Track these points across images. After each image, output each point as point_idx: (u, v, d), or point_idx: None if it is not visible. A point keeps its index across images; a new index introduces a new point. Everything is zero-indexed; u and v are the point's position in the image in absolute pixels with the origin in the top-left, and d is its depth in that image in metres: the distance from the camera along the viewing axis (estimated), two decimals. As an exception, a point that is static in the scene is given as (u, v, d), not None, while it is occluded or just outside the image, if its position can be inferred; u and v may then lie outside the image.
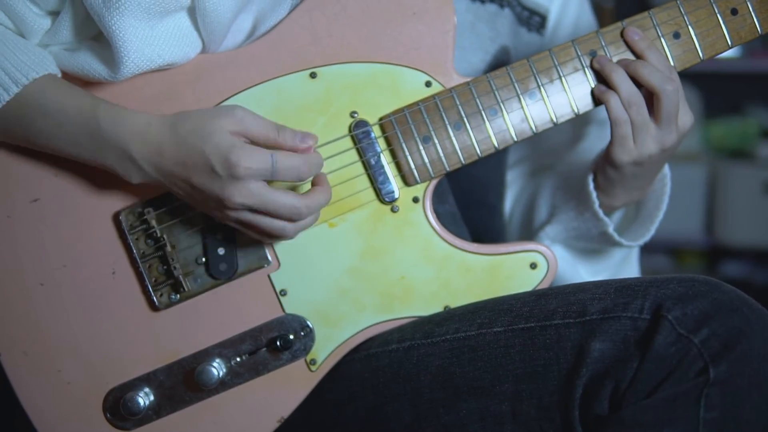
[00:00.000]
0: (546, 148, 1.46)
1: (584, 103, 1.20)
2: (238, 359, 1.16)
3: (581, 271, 1.39)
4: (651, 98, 1.17)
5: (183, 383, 1.16)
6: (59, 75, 1.11)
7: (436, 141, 1.17)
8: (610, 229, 1.28)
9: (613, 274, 1.41)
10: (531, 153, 1.47)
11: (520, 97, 1.18)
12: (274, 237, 1.10)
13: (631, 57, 1.19)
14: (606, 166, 1.22)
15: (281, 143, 1.07)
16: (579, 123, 1.42)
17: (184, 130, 1.06)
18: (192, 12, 1.12)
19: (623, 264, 1.41)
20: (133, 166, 1.07)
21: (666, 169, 1.29)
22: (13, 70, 1.07)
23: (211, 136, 1.04)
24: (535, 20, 1.43)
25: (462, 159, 1.18)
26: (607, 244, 1.33)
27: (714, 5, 1.19)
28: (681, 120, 1.18)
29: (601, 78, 1.19)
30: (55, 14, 1.12)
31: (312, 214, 1.09)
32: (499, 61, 1.36)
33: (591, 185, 1.26)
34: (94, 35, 1.14)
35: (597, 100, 1.18)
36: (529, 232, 1.42)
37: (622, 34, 1.18)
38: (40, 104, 1.08)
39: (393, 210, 1.18)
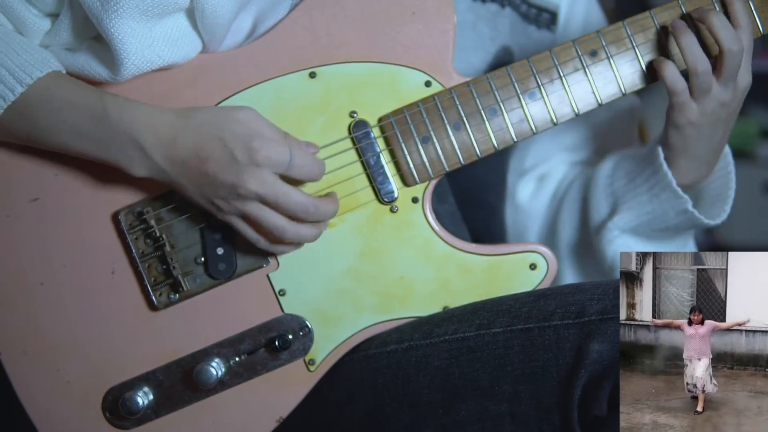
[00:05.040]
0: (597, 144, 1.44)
1: (585, 103, 1.19)
2: (237, 359, 1.16)
3: None
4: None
5: (182, 383, 1.16)
6: (63, 71, 1.11)
7: (436, 141, 1.17)
8: (690, 206, 1.24)
9: None
10: (566, 143, 1.45)
11: (520, 96, 1.18)
12: (271, 237, 1.10)
13: (631, 55, 1.18)
14: (668, 132, 1.21)
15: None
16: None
17: (198, 120, 1.06)
18: (191, 13, 1.12)
19: (684, 249, 1.36)
20: (142, 155, 1.07)
21: (727, 148, 1.27)
22: (17, 70, 1.07)
23: (228, 125, 1.06)
24: (544, 17, 1.42)
25: (461, 159, 1.18)
26: (683, 225, 1.28)
27: (716, 5, 1.19)
28: (740, 78, 1.18)
29: (601, 80, 1.19)
30: (54, 16, 1.12)
31: (317, 218, 1.10)
32: (500, 61, 1.35)
33: (666, 164, 1.23)
34: (94, 35, 1.14)
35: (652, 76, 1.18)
36: (585, 231, 1.38)
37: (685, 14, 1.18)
38: (45, 101, 1.07)
39: (392, 210, 1.18)
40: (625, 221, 1.30)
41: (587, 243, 1.37)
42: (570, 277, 1.41)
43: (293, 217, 1.08)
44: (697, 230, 1.36)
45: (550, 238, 1.43)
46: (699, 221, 1.25)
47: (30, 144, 1.12)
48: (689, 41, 1.15)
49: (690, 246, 1.38)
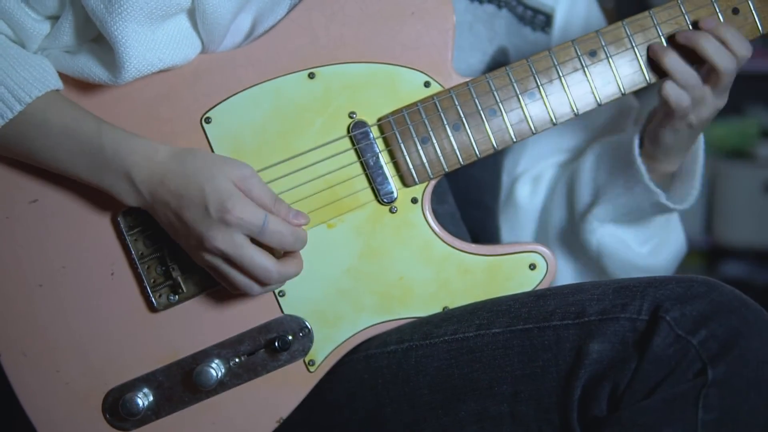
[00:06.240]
0: (578, 144, 1.45)
1: (584, 103, 1.19)
2: (237, 360, 1.16)
3: (632, 244, 1.37)
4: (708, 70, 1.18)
5: (182, 384, 1.16)
6: (61, 87, 1.11)
7: (435, 141, 1.17)
8: (663, 199, 1.27)
9: (663, 239, 1.39)
10: (561, 145, 1.46)
11: (519, 97, 1.18)
12: (238, 290, 1.11)
13: (631, 55, 1.19)
14: (662, 133, 1.23)
15: (275, 213, 1.08)
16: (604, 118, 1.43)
17: (192, 166, 1.07)
18: (192, 14, 1.12)
19: (667, 226, 1.40)
20: (131, 188, 1.08)
21: None
22: (16, 88, 1.07)
23: (215, 178, 1.06)
24: (539, 19, 1.42)
25: (461, 159, 1.18)
26: (659, 212, 1.33)
27: (715, 4, 1.19)
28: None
29: (601, 80, 1.19)
30: (53, 19, 1.12)
31: (280, 281, 1.10)
32: (497, 62, 1.35)
33: (639, 159, 1.26)
34: (94, 37, 1.14)
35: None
36: (572, 219, 1.40)
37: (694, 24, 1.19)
38: (42, 123, 1.08)
39: (391, 211, 1.18)
40: (604, 212, 1.34)
41: (575, 230, 1.40)
42: (562, 263, 1.43)
43: (255, 279, 1.09)
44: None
45: (542, 232, 1.46)
46: (673, 209, 1.29)
47: (26, 161, 1.13)
48: (674, 61, 1.17)
49: (674, 221, 1.41)
